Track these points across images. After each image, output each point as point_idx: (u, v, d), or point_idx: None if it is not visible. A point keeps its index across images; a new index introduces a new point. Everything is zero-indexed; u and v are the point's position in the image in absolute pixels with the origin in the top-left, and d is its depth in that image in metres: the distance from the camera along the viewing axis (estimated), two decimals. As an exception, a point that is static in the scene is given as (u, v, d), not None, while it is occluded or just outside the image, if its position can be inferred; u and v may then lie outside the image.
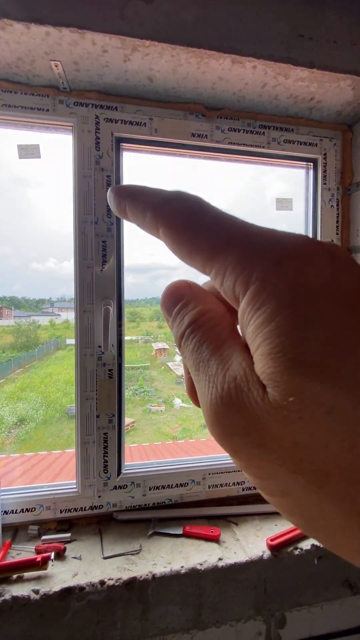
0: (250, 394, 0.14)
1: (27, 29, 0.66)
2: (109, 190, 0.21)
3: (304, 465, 0.12)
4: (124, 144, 0.86)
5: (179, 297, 0.18)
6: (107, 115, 0.82)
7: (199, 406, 0.17)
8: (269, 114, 0.92)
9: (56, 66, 0.74)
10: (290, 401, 0.12)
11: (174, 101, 0.86)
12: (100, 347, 0.84)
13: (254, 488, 0.93)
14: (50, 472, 1.88)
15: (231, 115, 0.90)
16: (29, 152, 0.81)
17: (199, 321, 0.17)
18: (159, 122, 0.85)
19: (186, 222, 0.17)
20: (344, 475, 0.12)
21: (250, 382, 0.14)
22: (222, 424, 0.14)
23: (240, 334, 0.16)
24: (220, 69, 0.76)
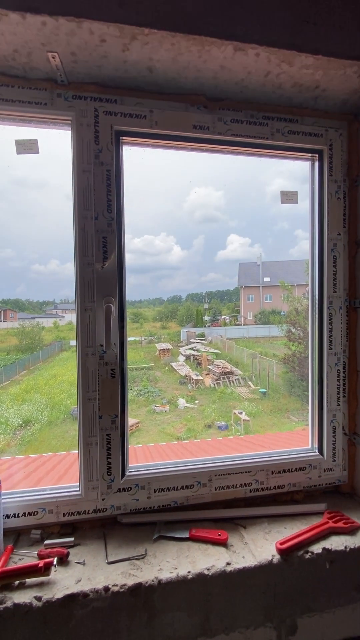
0: None
1: (22, 18, 0.64)
2: None
3: None
4: (124, 138, 0.84)
5: None
6: (106, 108, 0.80)
7: None
8: (273, 104, 0.89)
9: (53, 58, 0.72)
10: None
11: (174, 92, 0.84)
12: (102, 346, 0.81)
13: (262, 489, 0.90)
14: (55, 473, 1.87)
15: (234, 107, 0.87)
16: (27, 147, 0.79)
17: None
18: (159, 115, 0.83)
19: None
20: None
21: None
22: None
23: None
24: (222, 57, 0.74)
